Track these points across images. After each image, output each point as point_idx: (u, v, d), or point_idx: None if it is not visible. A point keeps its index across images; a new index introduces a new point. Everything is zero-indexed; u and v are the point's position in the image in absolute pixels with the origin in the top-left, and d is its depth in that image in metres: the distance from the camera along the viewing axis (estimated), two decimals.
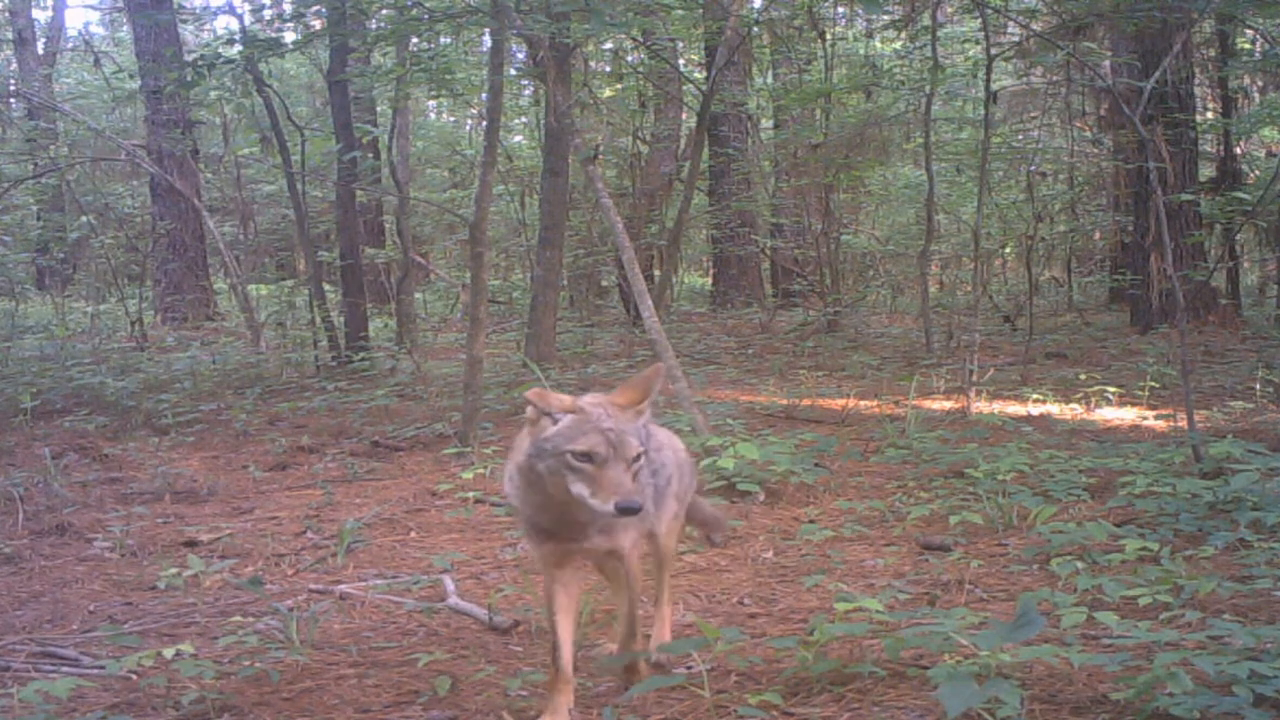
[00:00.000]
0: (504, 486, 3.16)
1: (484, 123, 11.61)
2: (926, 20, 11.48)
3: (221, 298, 15.97)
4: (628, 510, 2.60)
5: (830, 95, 13.39)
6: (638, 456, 2.68)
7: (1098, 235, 15.53)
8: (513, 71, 13.47)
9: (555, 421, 2.70)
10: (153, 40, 13.57)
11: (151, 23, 13.09)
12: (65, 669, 3.45)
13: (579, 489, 2.64)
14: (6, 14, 21.34)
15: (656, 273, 13.27)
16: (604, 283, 15.75)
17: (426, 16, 8.10)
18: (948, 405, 7.73)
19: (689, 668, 3.13)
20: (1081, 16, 10.15)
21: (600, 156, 9.75)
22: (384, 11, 9.10)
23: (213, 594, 4.24)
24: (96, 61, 19.14)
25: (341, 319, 10.57)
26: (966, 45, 13.88)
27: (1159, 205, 6.28)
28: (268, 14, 11.12)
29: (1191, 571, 3.83)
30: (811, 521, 4.93)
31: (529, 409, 2.75)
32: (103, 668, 3.40)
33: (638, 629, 3.07)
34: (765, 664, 3.21)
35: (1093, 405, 7.63)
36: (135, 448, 7.20)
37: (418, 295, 14.06)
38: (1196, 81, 12.75)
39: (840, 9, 14.72)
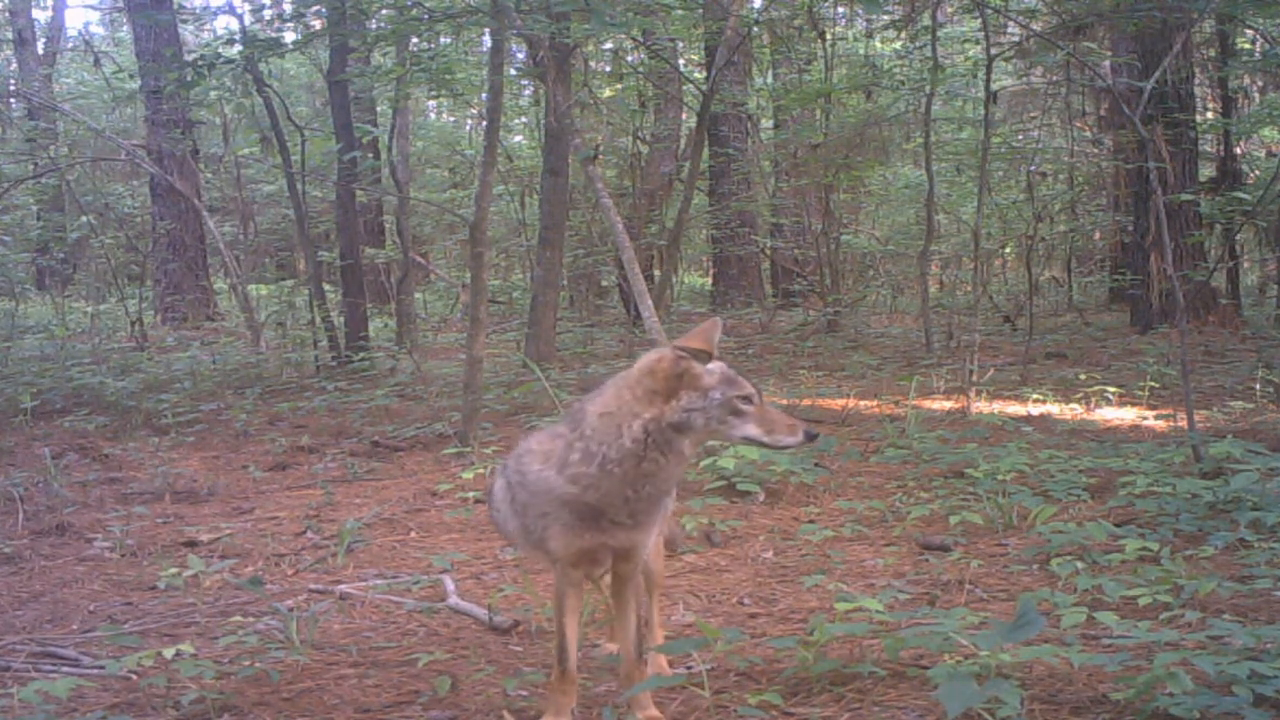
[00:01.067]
0: (495, 496, 3.05)
1: (484, 123, 11.62)
2: (926, 20, 11.48)
3: (221, 298, 15.97)
4: (814, 436, 2.75)
5: (830, 95, 13.38)
6: None
7: (1098, 235, 15.53)
8: (513, 71, 13.47)
9: (711, 373, 2.67)
10: (153, 40, 13.57)
11: (151, 23, 13.09)
12: (65, 669, 3.45)
13: (749, 430, 2.70)
14: (6, 14, 21.34)
15: (656, 273, 13.26)
16: (604, 283, 15.75)
17: (426, 16, 8.09)
18: (948, 405, 7.73)
19: (689, 668, 3.13)
20: (1081, 16, 10.15)
21: (600, 156, 9.76)
22: (384, 11, 9.09)
23: (213, 594, 4.24)
24: (96, 61, 19.13)
25: (341, 319, 10.57)
26: (966, 45, 13.87)
27: (1159, 205, 6.28)
28: (268, 14, 11.12)
29: (1191, 571, 3.83)
30: (811, 521, 4.94)
31: (681, 365, 2.65)
32: (103, 668, 3.40)
33: (641, 652, 2.98)
34: (765, 664, 3.21)
35: (1093, 405, 7.63)
36: (135, 448, 7.21)
37: (418, 295, 14.06)
38: (1196, 81, 12.75)
39: (840, 9, 14.72)
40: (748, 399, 2.68)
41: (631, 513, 2.74)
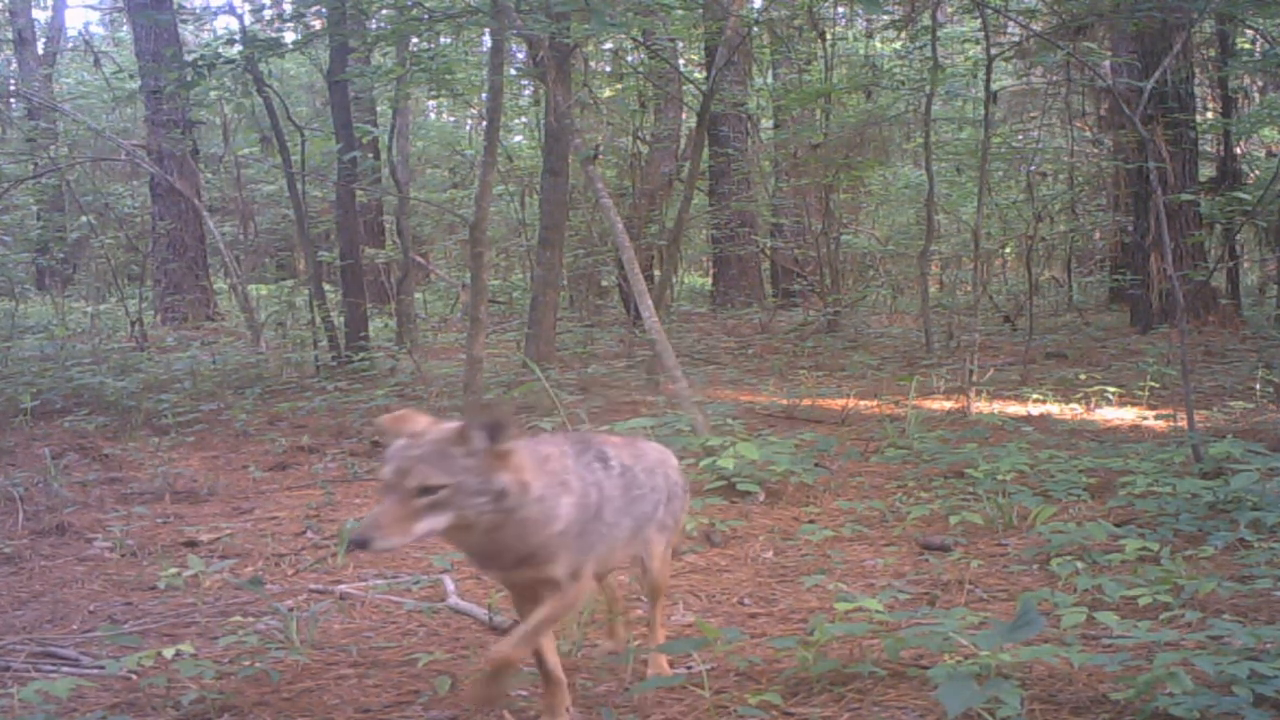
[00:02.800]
0: None
1: (484, 123, 11.62)
2: (926, 20, 11.48)
3: (221, 298, 15.96)
4: (354, 544, 2.49)
5: (830, 95, 13.39)
6: (428, 489, 2.46)
7: (1098, 235, 15.53)
8: (513, 71, 13.47)
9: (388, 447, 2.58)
10: (153, 40, 13.56)
11: (151, 23, 13.08)
12: (65, 669, 3.44)
13: None
14: (6, 14, 21.32)
15: (656, 273, 13.27)
16: (604, 283, 15.75)
17: (426, 16, 8.10)
18: (948, 405, 7.73)
19: (689, 668, 3.13)
20: (1081, 16, 10.16)
21: (600, 156, 9.76)
22: (384, 11, 9.10)
23: (213, 594, 4.24)
24: (96, 61, 19.13)
25: (341, 319, 10.56)
26: (966, 45, 13.88)
27: (1159, 205, 6.29)
28: (268, 14, 11.14)
29: (1191, 571, 3.83)
30: (811, 521, 4.93)
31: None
32: (103, 668, 3.40)
33: (528, 641, 2.79)
34: (765, 664, 3.21)
35: (1093, 405, 7.63)
36: (135, 448, 7.20)
37: (418, 295, 14.06)
38: (1196, 81, 12.75)
39: (840, 9, 14.73)
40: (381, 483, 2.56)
41: (485, 561, 2.75)
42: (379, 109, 16.26)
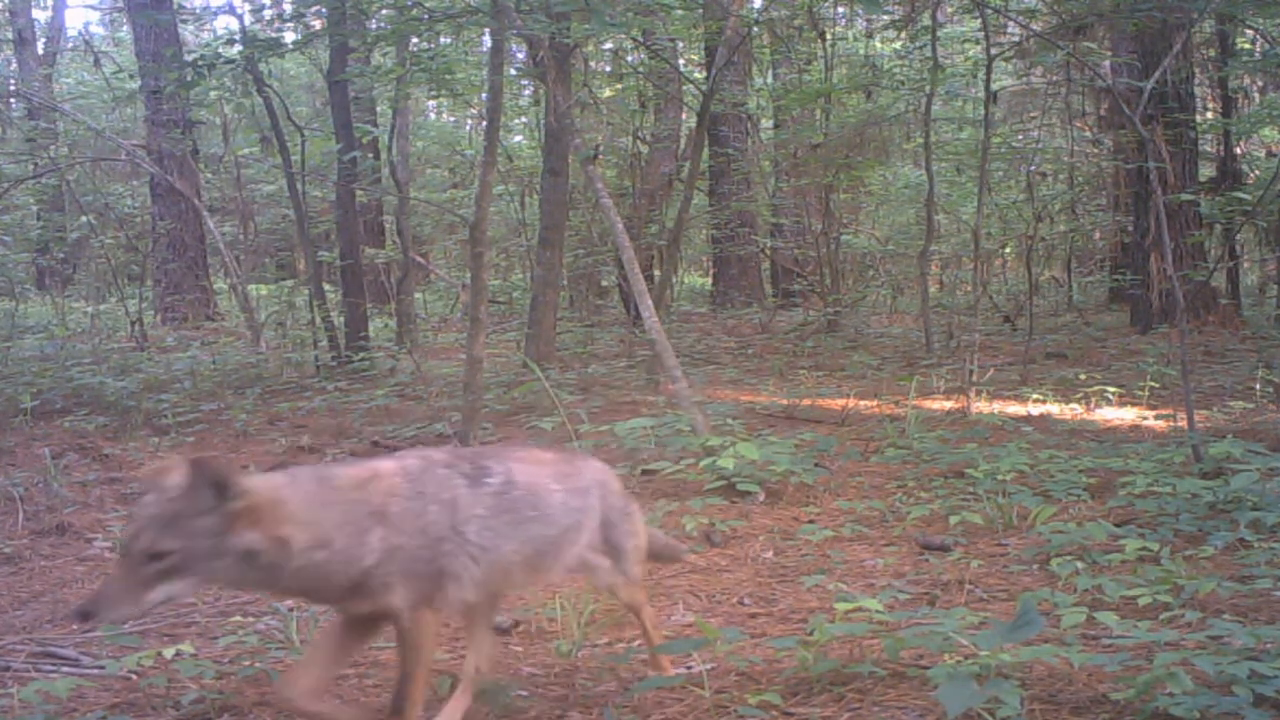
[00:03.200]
0: None
1: (484, 123, 11.61)
2: (926, 20, 11.48)
3: (221, 298, 15.96)
4: (78, 616, 2.29)
5: (830, 95, 13.39)
6: (156, 555, 2.20)
7: (1098, 235, 15.54)
8: (513, 71, 13.48)
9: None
10: (153, 40, 13.56)
11: (151, 23, 13.09)
12: (65, 669, 3.45)
13: None
14: (6, 14, 21.32)
15: (656, 273, 13.27)
16: (604, 283, 15.75)
17: (426, 16, 8.10)
18: (948, 405, 7.73)
19: (689, 668, 3.13)
20: (1081, 16, 10.16)
21: (600, 156, 9.76)
22: (384, 11, 9.10)
23: (213, 594, 4.24)
24: (96, 61, 19.13)
25: (341, 319, 10.57)
26: (966, 45, 13.88)
27: (1159, 205, 6.30)
28: (268, 14, 11.14)
29: (1191, 571, 3.83)
30: (811, 521, 4.94)
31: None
32: (103, 668, 3.40)
33: (412, 705, 2.59)
34: (765, 664, 3.20)
35: (1093, 405, 7.63)
36: (135, 448, 7.20)
37: (418, 295, 14.06)
38: (1196, 81, 12.75)
39: (840, 9, 14.73)
40: None
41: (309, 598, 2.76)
42: (379, 109, 16.26)
